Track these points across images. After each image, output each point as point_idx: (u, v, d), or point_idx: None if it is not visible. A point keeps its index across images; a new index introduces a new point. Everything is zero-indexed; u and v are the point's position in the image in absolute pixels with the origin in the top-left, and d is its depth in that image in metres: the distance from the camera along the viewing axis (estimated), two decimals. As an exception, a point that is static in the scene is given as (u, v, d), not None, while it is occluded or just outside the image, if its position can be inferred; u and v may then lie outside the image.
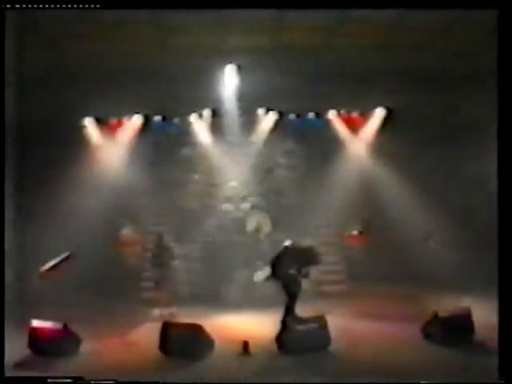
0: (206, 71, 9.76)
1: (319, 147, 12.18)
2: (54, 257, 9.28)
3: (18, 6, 6.18)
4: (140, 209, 12.23)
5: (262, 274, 11.13)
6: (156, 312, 9.77)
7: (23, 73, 7.41)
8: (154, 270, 10.44)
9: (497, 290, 5.97)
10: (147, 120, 11.89)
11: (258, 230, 11.18)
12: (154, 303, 10.02)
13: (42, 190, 10.68)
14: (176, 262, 10.62)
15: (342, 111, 12.06)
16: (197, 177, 12.12)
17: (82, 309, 9.66)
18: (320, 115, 12.01)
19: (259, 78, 10.06)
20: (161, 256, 10.31)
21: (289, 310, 8.18)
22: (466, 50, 8.86)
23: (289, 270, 8.28)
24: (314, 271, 11.38)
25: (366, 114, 12.09)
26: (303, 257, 8.53)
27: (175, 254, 10.59)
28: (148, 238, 12.06)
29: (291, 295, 8.26)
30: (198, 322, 7.89)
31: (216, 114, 11.79)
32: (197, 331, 7.52)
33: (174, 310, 9.65)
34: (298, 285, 8.32)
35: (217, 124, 12.01)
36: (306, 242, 11.49)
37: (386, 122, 11.80)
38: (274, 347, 7.51)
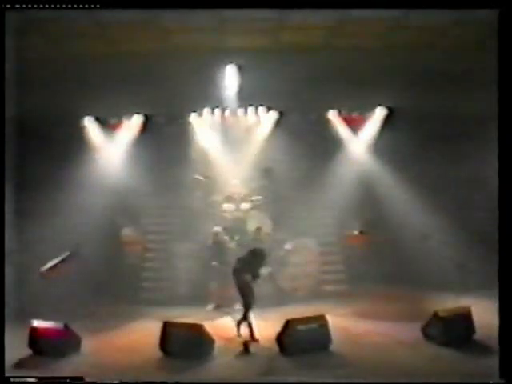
0: (206, 71, 9.76)
1: (319, 147, 12.18)
2: (54, 257, 9.28)
3: (17, 5, 6.18)
4: (140, 209, 12.23)
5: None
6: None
7: (23, 73, 7.40)
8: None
9: (497, 289, 5.98)
10: (147, 120, 11.89)
11: (258, 229, 11.18)
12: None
13: (42, 189, 10.68)
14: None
15: (342, 111, 12.06)
16: (197, 177, 12.11)
17: (83, 309, 9.67)
18: (320, 115, 12.02)
19: (259, 78, 10.06)
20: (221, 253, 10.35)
21: (245, 315, 8.29)
22: (465, 50, 8.87)
23: (243, 276, 8.32)
24: (314, 271, 11.55)
25: (366, 114, 12.09)
26: (253, 259, 8.52)
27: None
28: (149, 238, 12.09)
29: (247, 302, 8.32)
30: (199, 321, 7.91)
31: (216, 113, 11.80)
32: (197, 331, 7.52)
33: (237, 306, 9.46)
34: (251, 290, 8.35)
35: (217, 124, 12.03)
36: (306, 241, 11.61)
37: (385, 122, 11.80)
38: (275, 347, 7.50)
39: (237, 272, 8.37)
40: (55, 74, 9.34)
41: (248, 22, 7.85)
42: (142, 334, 8.43)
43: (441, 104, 10.85)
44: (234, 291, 8.67)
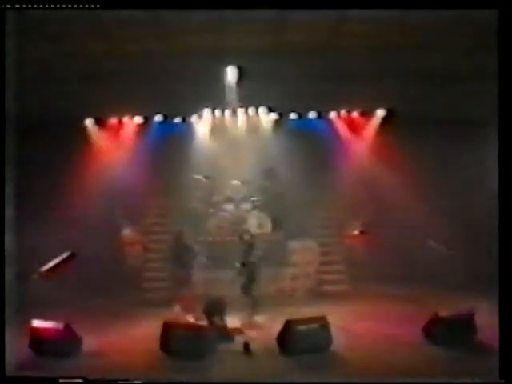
0: (206, 71, 9.75)
1: (319, 147, 12.20)
2: (54, 257, 9.28)
3: (17, 5, 6.18)
4: (140, 209, 12.23)
5: None
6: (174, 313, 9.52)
7: (23, 73, 7.39)
8: (175, 269, 10.13)
9: (497, 289, 5.98)
10: (147, 120, 11.88)
11: (258, 230, 11.19)
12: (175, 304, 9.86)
13: (42, 190, 10.69)
14: (198, 261, 10.32)
15: (342, 111, 12.06)
16: (197, 177, 12.12)
17: (83, 309, 9.67)
18: (320, 115, 12.02)
19: (259, 78, 10.06)
20: (181, 255, 9.99)
21: None
22: (465, 50, 8.86)
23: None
24: (314, 272, 11.56)
25: (366, 114, 12.09)
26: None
27: (196, 251, 10.30)
28: (149, 238, 12.08)
29: None
30: (199, 321, 7.93)
31: (216, 114, 11.80)
32: (197, 331, 7.53)
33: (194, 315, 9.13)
34: None
35: (217, 124, 12.03)
36: (306, 242, 11.61)
37: (385, 122, 11.80)
38: (275, 347, 7.51)
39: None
40: (55, 74, 9.33)
41: (248, 22, 7.84)
42: (142, 334, 8.43)
43: (441, 104, 10.84)
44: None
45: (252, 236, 9.79)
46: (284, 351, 7.38)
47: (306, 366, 6.90)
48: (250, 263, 9.27)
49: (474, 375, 6.18)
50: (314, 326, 7.50)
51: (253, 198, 12.08)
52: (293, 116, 11.93)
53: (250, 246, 9.55)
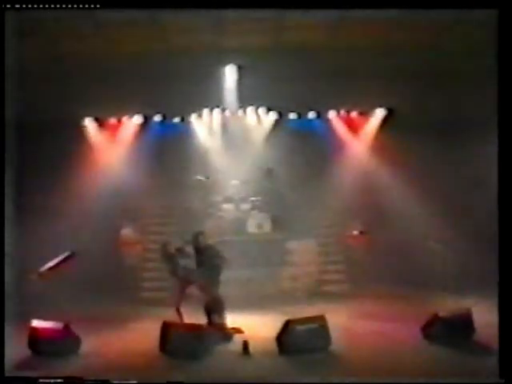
0: (206, 71, 9.77)
1: (319, 147, 12.19)
2: (54, 257, 9.28)
3: (17, 5, 6.19)
4: (140, 209, 12.23)
5: None
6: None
7: (23, 73, 7.41)
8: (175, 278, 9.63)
9: (497, 289, 5.98)
10: (147, 120, 11.89)
11: (258, 230, 11.19)
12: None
13: (42, 190, 10.69)
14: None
15: (342, 111, 12.06)
16: (197, 177, 12.12)
17: (82, 309, 9.66)
18: (320, 115, 12.03)
19: (259, 78, 10.08)
20: (171, 265, 9.19)
21: None
22: (465, 50, 8.87)
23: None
24: (314, 271, 11.56)
25: (366, 114, 12.10)
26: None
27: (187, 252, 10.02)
28: (149, 238, 12.08)
29: None
30: (199, 321, 7.92)
31: (216, 113, 11.80)
32: (197, 331, 7.52)
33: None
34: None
35: (217, 124, 12.03)
36: (306, 242, 11.60)
37: (385, 122, 11.80)
38: (274, 347, 7.50)
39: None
40: (55, 74, 9.34)
41: (248, 22, 7.86)
42: (141, 334, 8.42)
43: (441, 104, 10.86)
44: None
45: (205, 238, 9.00)
46: (283, 351, 7.38)
47: (305, 366, 6.89)
48: (213, 266, 8.80)
49: (474, 375, 6.17)
50: (314, 325, 7.49)
51: (252, 198, 12.07)
52: (292, 116, 11.93)
53: (206, 249, 8.89)
